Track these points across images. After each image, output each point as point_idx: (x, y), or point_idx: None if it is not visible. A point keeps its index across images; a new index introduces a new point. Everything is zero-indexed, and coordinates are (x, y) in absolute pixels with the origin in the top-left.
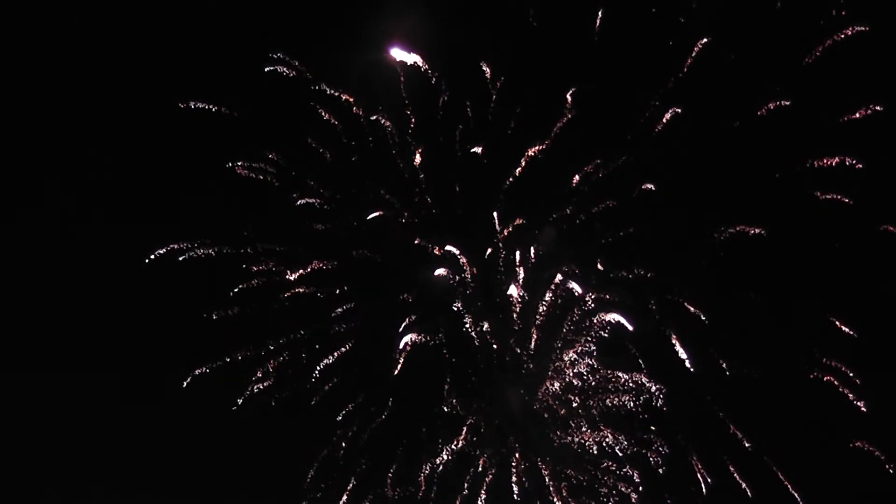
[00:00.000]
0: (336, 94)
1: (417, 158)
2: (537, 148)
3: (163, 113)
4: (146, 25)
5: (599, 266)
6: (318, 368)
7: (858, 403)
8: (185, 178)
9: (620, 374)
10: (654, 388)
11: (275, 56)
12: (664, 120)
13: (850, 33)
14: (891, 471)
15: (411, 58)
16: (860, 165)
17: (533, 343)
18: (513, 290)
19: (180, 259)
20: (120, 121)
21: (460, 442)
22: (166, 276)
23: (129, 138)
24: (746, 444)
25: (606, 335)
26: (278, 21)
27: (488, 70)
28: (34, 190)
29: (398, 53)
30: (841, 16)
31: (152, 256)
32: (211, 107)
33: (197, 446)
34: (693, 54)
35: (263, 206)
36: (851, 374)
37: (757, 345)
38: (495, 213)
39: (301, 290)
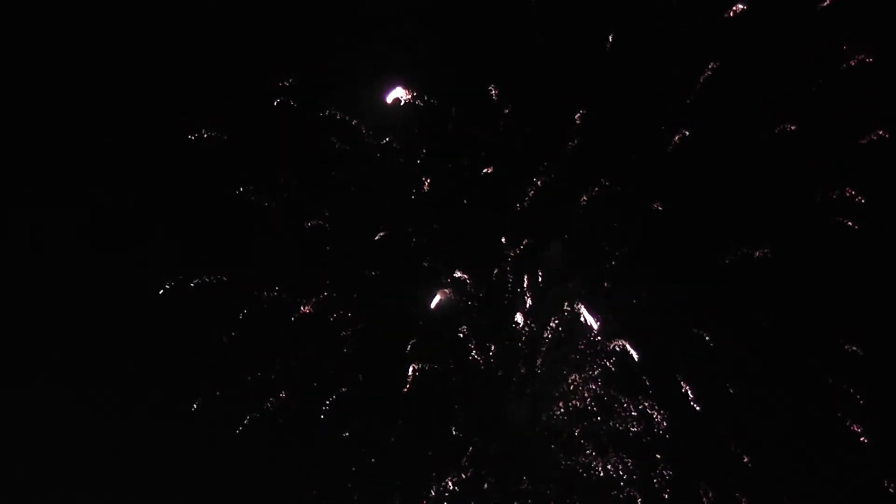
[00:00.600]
0: (346, 118)
1: (426, 181)
2: (544, 175)
3: (171, 143)
4: (152, 57)
5: (606, 284)
6: (326, 390)
7: (858, 429)
8: (194, 205)
9: (625, 399)
10: (657, 416)
11: (285, 84)
12: (673, 142)
13: (853, 63)
14: (891, 490)
15: (419, 85)
16: (862, 199)
17: (539, 367)
18: (519, 318)
19: (192, 284)
20: (126, 154)
21: (466, 464)
22: (176, 300)
23: (136, 170)
24: (747, 461)
25: (612, 362)
26: (286, 49)
27: (495, 92)
28: (40, 221)
29: (399, 92)
30: (842, 49)
31: (167, 286)
32: (219, 135)
33: (204, 468)
34: (702, 80)
35: (273, 229)
36: (852, 391)
37: (762, 366)
38: (503, 238)
39: (310, 311)
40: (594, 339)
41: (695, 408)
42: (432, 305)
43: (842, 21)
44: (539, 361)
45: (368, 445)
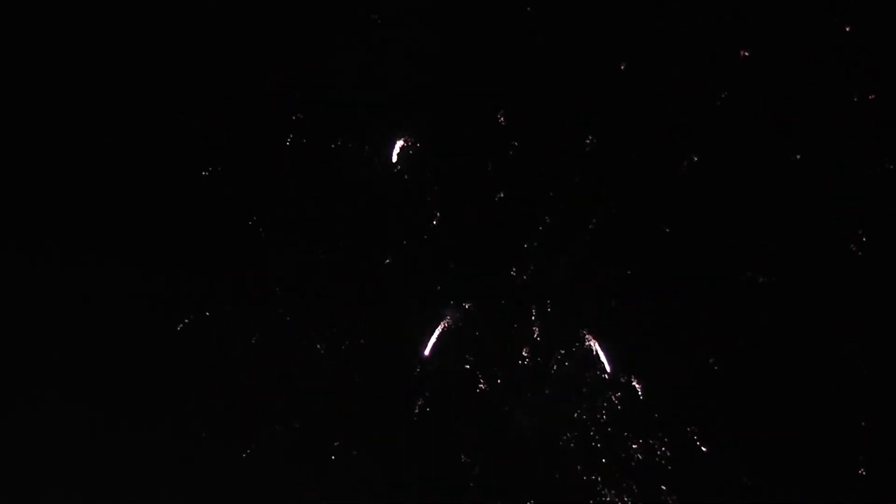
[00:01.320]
0: (355, 147)
1: (437, 209)
2: (553, 199)
3: (184, 179)
4: (152, 57)
5: (613, 304)
6: (333, 417)
7: (858, 460)
8: (208, 238)
9: (629, 428)
10: (663, 447)
11: (296, 116)
12: (682, 167)
13: (855, 99)
14: None
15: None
16: (864, 237)
17: (545, 398)
18: (525, 351)
19: (206, 314)
20: (127, 155)
21: (472, 486)
22: (191, 329)
23: (137, 170)
24: (751, 483)
25: (620, 393)
26: (286, 49)
27: (503, 119)
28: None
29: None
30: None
31: (185, 321)
32: (232, 170)
33: (211, 494)
34: (710, 108)
35: (282, 260)
36: (854, 411)
37: (767, 394)
38: (513, 269)
39: (321, 345)
40: (601, 373)
41: (702, 441)
42: (436, 334)
43: (846, 52)
44: (546, 394)
45: (374, 472)
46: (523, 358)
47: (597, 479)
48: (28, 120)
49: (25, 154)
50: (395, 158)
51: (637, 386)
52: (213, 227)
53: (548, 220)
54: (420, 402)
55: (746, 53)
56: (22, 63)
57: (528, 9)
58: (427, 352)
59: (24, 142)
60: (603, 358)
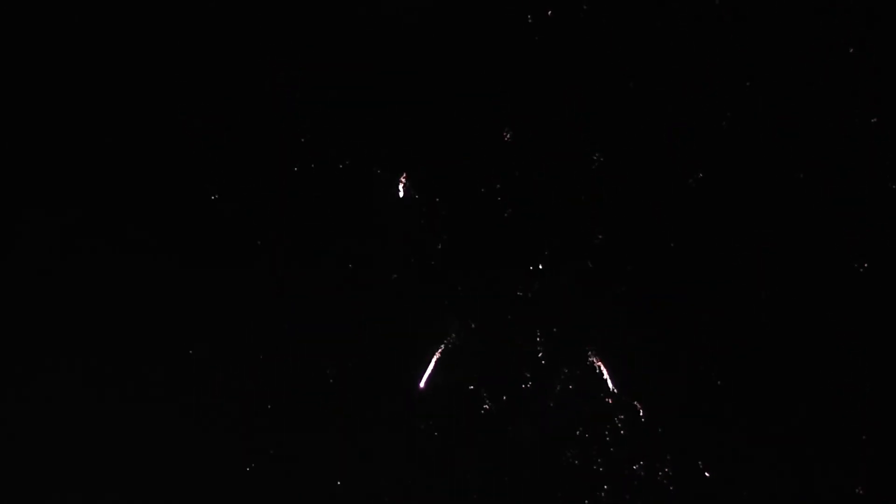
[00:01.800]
0: (360, 165)
1: (442, 226)
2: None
3: (186, 183)
4: (152, 57)
5: (618, 323)
6: (336, 437)
7: (864, 483)
8: (217, 259)
9: (632, 448)
10: (666, 468)
11: (302, 139)
12: (689, 185)
13: (857, 122)
14: None
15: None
16: (870, 258)
17: (547, 422)
18: (528, 373)
19: (208, 328)
20: (127, 155)
21: (475, 499)
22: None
23: (136, 170)
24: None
25: (621, 416)
26: (286, 49)
27: (508, 135)
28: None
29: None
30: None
31: (187, 335)
32: (238, 192)
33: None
34: (716, 127)
35: (284, 275)
36: (862, 435)
37: (774, 416)
38: (518, 290)
39: (323, 364)
40: (605, 394)
41: (704, 462)
42: (431, 365)
43: (849, 74)
44: (549, 416)
45: (378, 483)
46: (526, 379)
47: (600, 494)
48: (27, 120)
49: (25, 154)
50: (401, 193)
51: (640, 406)
52: (214, 231)
53: (552, 239)
54: (424, 419)
55: (749, 83)
56: (21, 63)
57: (536, 37)
58: (423, 383)
59: (23, 141)
60: (607, 377)
